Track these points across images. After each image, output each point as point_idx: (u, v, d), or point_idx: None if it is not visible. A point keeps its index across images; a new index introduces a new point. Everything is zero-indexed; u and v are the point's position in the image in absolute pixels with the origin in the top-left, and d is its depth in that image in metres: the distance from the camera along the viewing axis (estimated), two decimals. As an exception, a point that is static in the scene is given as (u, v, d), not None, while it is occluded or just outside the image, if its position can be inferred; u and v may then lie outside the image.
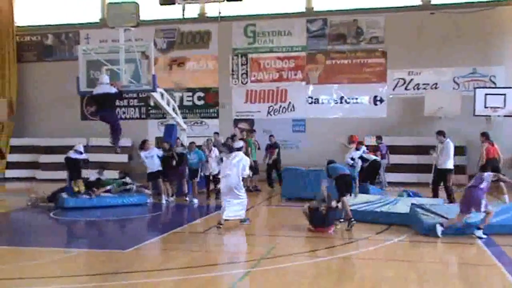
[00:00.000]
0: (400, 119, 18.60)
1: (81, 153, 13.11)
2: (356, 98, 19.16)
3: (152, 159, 13.32)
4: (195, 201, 13.34)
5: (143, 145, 13.57)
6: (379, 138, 16.43)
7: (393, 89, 18.85)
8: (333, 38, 19.23)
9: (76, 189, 12.72)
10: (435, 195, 12.09)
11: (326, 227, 9.21)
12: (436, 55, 18.35)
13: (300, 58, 19.46)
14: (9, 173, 20.38)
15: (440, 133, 12.21)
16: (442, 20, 18.26)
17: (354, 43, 19.10)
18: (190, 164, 13.75)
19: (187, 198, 13.49)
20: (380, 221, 9.84)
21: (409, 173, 17.43)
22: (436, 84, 18.48)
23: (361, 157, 13.87)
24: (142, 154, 13.42)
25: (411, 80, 18.70)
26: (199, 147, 14.39)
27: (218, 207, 12.67)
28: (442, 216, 9.11)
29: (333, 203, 9.41)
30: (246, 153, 15.78)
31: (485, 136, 13.20)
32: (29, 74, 21.67)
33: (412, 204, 9.93)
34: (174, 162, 13.45)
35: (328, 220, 9.27)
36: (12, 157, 20.49)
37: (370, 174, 14.30)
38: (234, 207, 9.71)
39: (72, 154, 13.14)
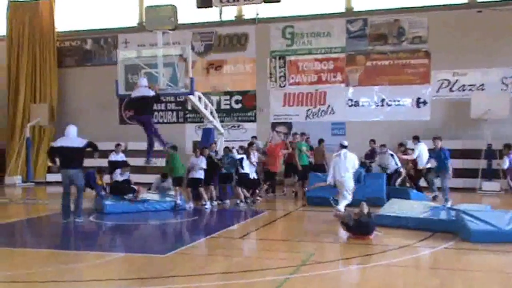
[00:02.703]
0: (444, 122, 18.26)
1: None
2: (398, 101, 18.92)
3: (198, 167, 13.37)
4: (228, 203, 13.67)
5: (202, 151, 13.53)
6: (416, 138, 15.71)
7: (437, 91, 18.54)
8: (374, 38, 19.09)
9: (99, 182, 13.13)
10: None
11: (367, 234, 9.13)
12: (482, 54, 17.94)
13: (339, 60, 19.39)
14: (50, 177, 20.98)
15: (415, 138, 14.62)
16: (489, 18, 17.85)
17: (396, 43, 18.90)
18: (224, 168, 13.86)
19: (224, 203, 13.66)
20: (423, 228, 9.69)
21: (454, 178, 17.00)
22: (483, 85, 18.06)
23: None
24: (195, 160, 13.38)
25: (456, 81, 18.34)
26: (228, 150, 14.44)
27: (256, 212, 12.91)
28: (489, 223, 8.90)
29: (365, 209, 9.36)
30: (290, 157, 15.97)
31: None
32: (69, 79, 22.31)
33: (458, 210, 9.75)
34: (219, 168, 13.71)
35: (369, 227, 9.19)
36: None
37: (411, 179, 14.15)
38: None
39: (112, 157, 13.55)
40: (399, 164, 14.39)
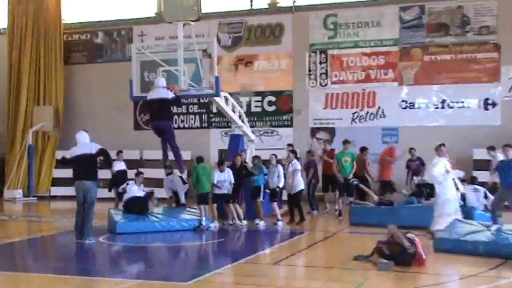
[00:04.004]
0: (519, 127, 17.93)
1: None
2: (462, 102, 18.68)
3: (226, 182, 13.36)
4: (262, 223, 13.60)
5: (220, 166, 13.48)
6: (491, 148, 15.47)
7: (509, 90, 18.24)
8: (433, 28, 18.89)
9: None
10: None
11: (410, 263, 8.99)
12: None
13: (391, 54, 19.25)
14: (55, 191, 21.32)
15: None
16: None
17: (459, 34, 18.67)
18: (254, 181, 13.87)
19: (257, 222, 13.67)
20: (492, 253, 9.53)
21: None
22: None
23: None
24: (221, 177, 13.31)
25: (532, 79, 18.07)
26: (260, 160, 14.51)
27: (293, 234, 12.86)
28: None
29: (410, 235, 9.27)
30: (327, 168, 15.98)
31: None
32: (77, 77, 22.70)
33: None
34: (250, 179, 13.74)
35: (411, 254, 9.05)
36: (57, 173, 21.28)
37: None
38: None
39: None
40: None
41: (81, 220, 11.41)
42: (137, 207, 13.24)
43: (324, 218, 15.48)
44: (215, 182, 13.25)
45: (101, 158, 11.45)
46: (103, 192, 18.62)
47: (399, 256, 8.98)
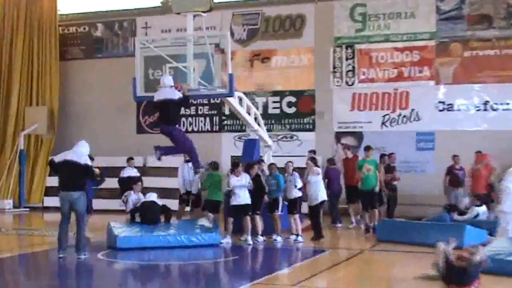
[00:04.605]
0: None
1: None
2: (507, 104, 18.60)
3: (243, 189, 13.31)
4: (279, 239, 13.63)
5: (235, 169, 13.46)
6: None
7: (561, 90, 18.18)
8: (474, 20, 18.85)
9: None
10: None
11: (467, 285, 8.92)
12: None
13: (427, 49, 19.20)
14: (49, 201, 21.37)
15: None
16: None
17: (504, 27, 18.61)
18: (271, 193, 13.82)
19: (274, 238, 13.69)
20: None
21: None
22: None
23: None
24: (234, 181, 13.30)
25: None
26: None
27: (315, 252, 12.87)
28: None
29: (478, 256, 9.15)
30: (350, 178, 16.03)
31: None
32: (74, 75, 22.85)
33: None
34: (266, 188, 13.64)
35: (471, 275, 8.98)
36: (51, 181, 21.14)
37: None
38: None
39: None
40: None
41: (65, 232, 11.54)
42: (150, 215, 13.28)
43: (349, 233, 15.50)
44: (231, 187, 13.24)
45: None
46: (106, 203, 18.95)
47: (456, 276, 8.89)
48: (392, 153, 16.82)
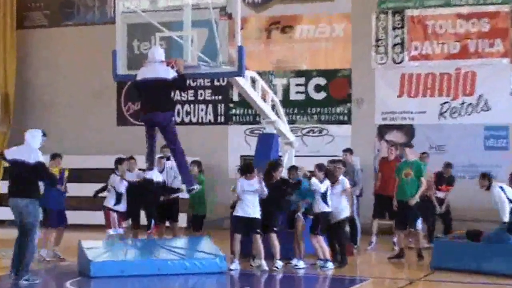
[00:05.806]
0: None
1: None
2: None
3: (255, 197, 13.30)
4: (301, 264, 13.57)
5: (248, 171, 13.49)
6: None
7: None
8: (562, -21, 18.86)
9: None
10: None
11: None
12: None
13: (500, 17, 19.17)
14: (4, 213, 21.14)
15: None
16: None
17: None
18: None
19: (295, 263, 13.63)
20: None
21: None
22: None
23: None
24: (245, 184, 13.33)
25: None
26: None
27: (351, 282, 12.64)
28: None
29: None
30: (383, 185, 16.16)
31: None
32: (36, 47, 22.93)
33: None
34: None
35: None
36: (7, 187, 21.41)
37: None
38: None
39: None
40: None
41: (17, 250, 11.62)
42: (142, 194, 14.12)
43: (378, 257, 15.64)
44: (238, 191, 13.25)
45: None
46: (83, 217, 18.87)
47: None
48: (449, 164, 16.82)
